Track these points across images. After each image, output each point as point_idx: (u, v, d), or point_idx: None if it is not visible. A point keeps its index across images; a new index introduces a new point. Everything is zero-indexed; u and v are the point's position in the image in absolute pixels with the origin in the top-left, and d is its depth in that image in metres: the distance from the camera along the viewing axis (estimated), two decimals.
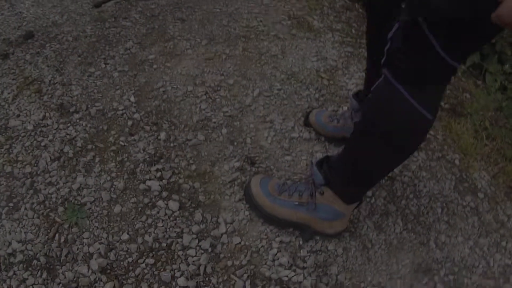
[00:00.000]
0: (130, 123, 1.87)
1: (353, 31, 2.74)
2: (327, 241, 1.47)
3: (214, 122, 1.89)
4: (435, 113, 1.15)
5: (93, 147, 1.76)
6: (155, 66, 2.24)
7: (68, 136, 1.80)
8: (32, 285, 1.37)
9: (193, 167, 1.69)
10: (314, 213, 1.41)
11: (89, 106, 1.96)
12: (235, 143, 1.79)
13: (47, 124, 1.85)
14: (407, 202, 1.69)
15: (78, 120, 1.88)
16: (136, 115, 1.91)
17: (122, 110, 1.94)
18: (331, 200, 1.39)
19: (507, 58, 2.49)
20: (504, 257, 1.65)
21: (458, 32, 0.99)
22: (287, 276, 1.38)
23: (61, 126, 1.83)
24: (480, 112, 2.29)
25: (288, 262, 1.41)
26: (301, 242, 1.44)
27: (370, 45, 1.61)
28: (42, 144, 1.76)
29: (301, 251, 1.44)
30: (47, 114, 1.90)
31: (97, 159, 1.71)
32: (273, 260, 1.41)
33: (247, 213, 1.51)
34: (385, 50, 1.13)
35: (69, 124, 1.85)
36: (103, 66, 2.23)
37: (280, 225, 1.46)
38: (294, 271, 1.39)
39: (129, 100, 2.00)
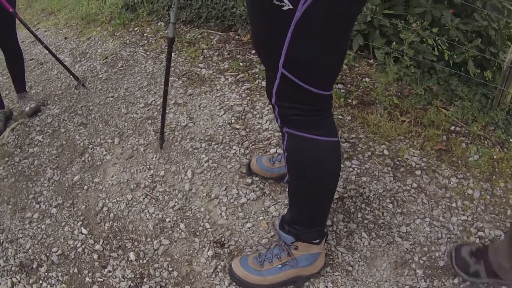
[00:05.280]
0: (95, 256, 2.23)
1: (241, 64, 3.24)
2: (316, 283, 1.95)
3: (169, 222, 2.30)
4: (336, 133, 1.67)
5: None
6: (85, 187, 2.61)
7: None
8: None
9: (175, 273, 2.09)
10: (297, 265, 1.89)
11: (48, 255, 2.30)
12: (198, 233, 2.22)
13: None
14: (362, 213, 2.21)
15: (46, 273, 2.21)
16: (97, 246, 2.27)
17: (81, 246, 2.30)
18: (306, 249, 1.87)
19: (388, 30, 3.09)
20: (459, 215, 2.20)
21: (321, 73, 1.50)
22: None
23: (34, 286, 2.16)
24: (385, 92, 2.86)
25: None
26: None
27: None
28: None
29: None
30: (14, 280, 2.21)
31: None
32: None
33: None
34: (277, 115, 1.62)
35: (41, 281, 2.18)
36: (37, 206, 2.58)
37: None
38: None
39: (82, 233, 2.36)
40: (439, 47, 3.21)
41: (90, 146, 2.88)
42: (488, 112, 2.77)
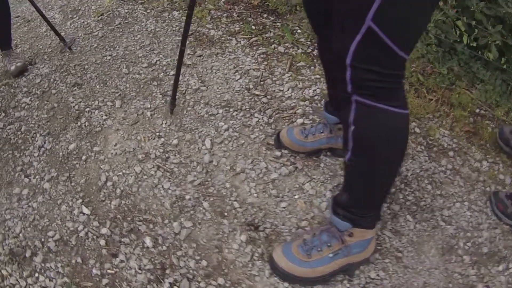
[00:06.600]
0: (102, 242, 1.88)
1: (253, 27, 2.95)
2: (366, 271, 1.73)
3: (189, 200, 1.99)
4: (407, 105, 1.46)
5: None
6: (84, 157, 2.25)
7: None
8: None
9: (204, 262, 1.78)
10: (350, 253, 1.66)
11: (43, 240, 1.91)
12: (225, 214, 1.93)
13: (12, 284, 1.78)
14: (403, 194, 2.00)
15: (43, 264, 1.83)
16: (104, 230, 1.91)
17: (83, 229, 1.93)
18: (361, 235, 1.65)
19: None
20: None
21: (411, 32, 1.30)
22: None
23: (29, 280, 1.78)
24: (410, 68, 2.66)
25: None
26: (348, 285, 1.70)
27: (326, 65, 1.89)
28: None
29: None
30: (4, 272, 1.82)
31: None
32: None
33: (286, 284, 1.70)
34: (348, 79, 1.38)
35: (37, 274, 1.80)
36: (27, 180, 2.18)
37: (326, 280, 1.68)
38: None
39: (83, 213, 1.99)
40: (458, 28, 3.03)
41: (87, 109, 2.53)
42: (508, 98, 2.63)
